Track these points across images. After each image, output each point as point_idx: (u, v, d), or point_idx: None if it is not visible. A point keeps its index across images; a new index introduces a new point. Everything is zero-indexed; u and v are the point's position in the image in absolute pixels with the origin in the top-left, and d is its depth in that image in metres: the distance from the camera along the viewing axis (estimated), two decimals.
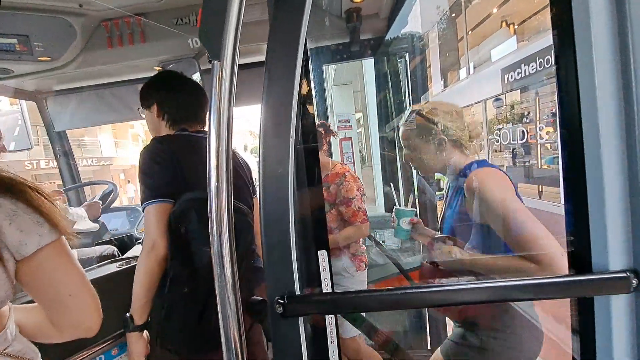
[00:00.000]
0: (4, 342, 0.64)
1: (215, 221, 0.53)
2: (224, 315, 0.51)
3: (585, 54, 0.45)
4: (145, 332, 1.05)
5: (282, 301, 0.47)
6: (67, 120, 2.37)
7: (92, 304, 0.67)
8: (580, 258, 0.42)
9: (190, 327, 1.02)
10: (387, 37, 1.73)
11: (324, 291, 0.58)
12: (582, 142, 0.42)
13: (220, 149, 0.53)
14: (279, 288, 0.48)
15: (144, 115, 1.25)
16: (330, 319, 0.58)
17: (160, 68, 2.07)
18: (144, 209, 1.02)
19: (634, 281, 0.38)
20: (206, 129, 1.30)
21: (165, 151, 1.05)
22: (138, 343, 1.02)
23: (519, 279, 0.40)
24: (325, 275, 0.58)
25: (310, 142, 0.64)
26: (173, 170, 1.04)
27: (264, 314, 1.05)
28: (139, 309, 1.01)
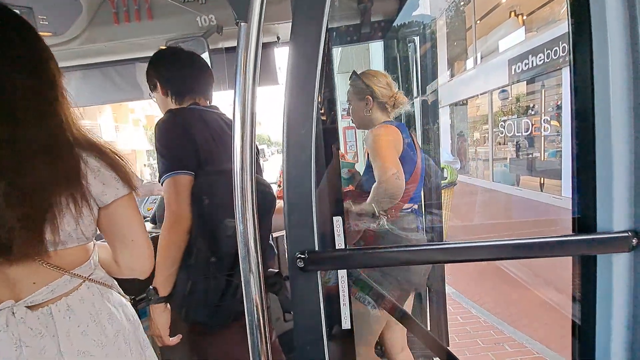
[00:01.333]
0: (89, 269, 0.77)
1: (241, 196, 0.56)
2: (247, 289, 0.55)
3: (600, 37, 0.47)
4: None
5: (302, 256, 0.50)
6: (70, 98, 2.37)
7: (148, 252, 0.81)
8: (586, 220, 0.45)
9: (214, 300, 1.05)
10: (398, 20, 1.72)
11: None
12: (592, 109, 0.44)
13: (245, 116, 0.55)
14: (300, 245, 0.51)
15: (154, 99, 1.27)
16: (343, 283, 0.62)
17: (165, 47, 2.06)
18: (163, 181, 1.03)
19: (633, 240, 0.41)
20: (213, 105, 1.32)
21: (181, 123, 1.07)
22: (162, 315, 1.05)
23: (526, 238, 0.43)
24: (339, 240, 0.61)
25: (329, 118, 0.66)
26: (190, 142, 1.05)
27: (279, 286, 1.09)
28: (163, 282, 1.03)
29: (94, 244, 0.82)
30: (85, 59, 2.22)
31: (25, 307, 0.67)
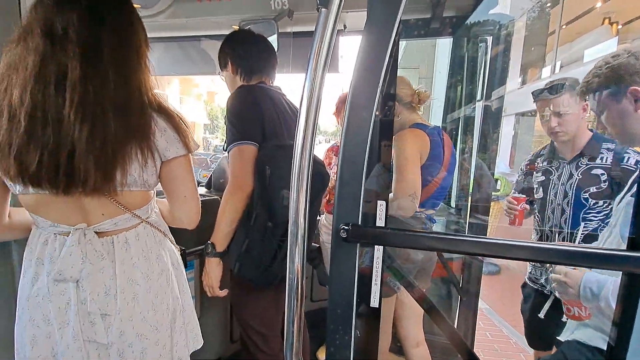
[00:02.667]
0: (147, 212, 0.89)
1: (298, 172, 0.60)
2: (291, 257, 0.61)
3: None
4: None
5: (346, 228, 0.55)
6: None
7: (196, 207, 0.91)
8: None
9: (265, 262, 1.14)
10: (472, 17, 1.65)
11: None
12: None
13: (312, 99, 0.59)
14: (345, 218, 0.56)
15: (223, 77, 1.37)
16: (377, 263, 0.65)
17: (238, 27, 2.18)
18: (230, 150, 1.13)
19: None
20: (275, 85, 1.40)
21: (251, 98, 1.16)
22: (216, 268, 1.18)
23: (574, 245, 0.43)
24: (380, 222, 0.64)
25: (387, 111, 0.68)
26: (257, 116, 1.14)
27: (318, 261, 1.16)
28: (221, 239, 1.15)
29: (154, 194, 0.93)
30: (167, 32, 2.42)
31: (94, 232, 0.80)
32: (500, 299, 3.14)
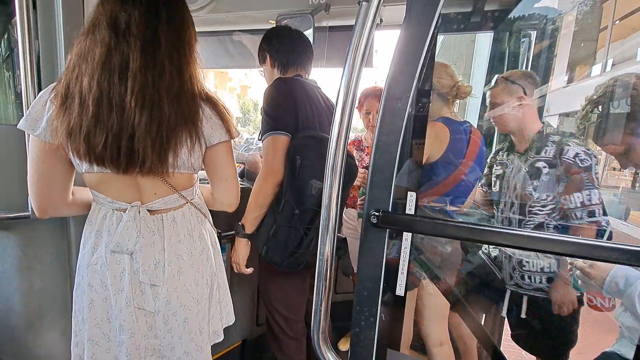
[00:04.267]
0: (191, 194, 0.96)
1: (332, 164, 0.63)
2: (322, 244, 0.64)
3: None
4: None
5: (377, 213, 0.57)
6: None
7: (235, 190, 0.98)
8: None
9: (291, 247, 1.20)
10: (516, 10, 1.58)
11: None
12: None
13: (349, 93, 0.62)
14: (377, 204, 0.58)
15: (262, 71, 1.43)
16: (405, 253, 0.67)
17: (275, 22, 2.23)
18: (264, 139, 1.19)
19: None
20: (317, 78, 1.43)
21: (287, 90, 1.21)
22: (244, 248, 1.26)
23: (618, 243, 0.42)
24: (410, 211, 0.65)
25: (422, 106, 0.69)
26: (292, 108, 1.19)
27: (343, 251, 1.20)
28: (250, 221, 1.23)
29: (198, 178, 1.01)
30: (207, 26, 2.51)
31: (147, 209, 0.88)
32: None
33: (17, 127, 0.79)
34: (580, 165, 1.19)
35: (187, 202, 0.94)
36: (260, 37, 2.54)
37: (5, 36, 1.10)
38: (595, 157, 1.22)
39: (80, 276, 0.90)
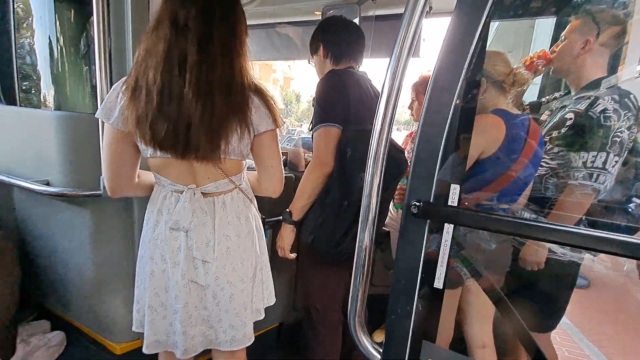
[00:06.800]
0: (240, 180, 1.02)
1: (374, 155, 0.64)
2: (361, 236, 0.66)
3: None
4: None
5: (417, 204, 0.57)
6: None
7: (280, 177, 1.03)
8: None
9: (336, 238, 1.23)
10: None
11: None
12: None
13: (394, 84, 0.62)
14: (418, 194, 0.58)
15: (313, 62, 1.45)
16: (445, 246, 0.66)
17: (320, 12, 2.24)
18: (315, 130, 1.22)
19: None
20: (362, 69, 1.43)
21: (339, 83, 1.22)
22: (290, 234, 1.31)
23: None
24: (452, 203, 0.64)
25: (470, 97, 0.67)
26: (343, 100, 1.20)
27: (385, 245, 1.21)
28: (298, 209, 1.27)
29: (246, 165, 1.08)
30: (255, 20, 2.59)
31: (201, 192, 0.96)
32: (583, 315, 2.78)
33: (95, 116, 0.90)
34: (602, 123, 1.06)
35: (235, 187, 1.00)
36: (305, 28, 2.56)
37: (84, 35, 1.24)
38: (630, 119, 1.07)
39: (143, 250, 1.01)
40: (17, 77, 1.47)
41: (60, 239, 1.39)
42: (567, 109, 1.23)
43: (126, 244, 1.32)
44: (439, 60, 0.59)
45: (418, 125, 0.63)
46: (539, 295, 1.33)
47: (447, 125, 0.59)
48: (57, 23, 1.45)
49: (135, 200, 1.28)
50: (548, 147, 1.24)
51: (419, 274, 0.64)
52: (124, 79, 0.89)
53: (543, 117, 1.37)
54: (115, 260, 1.31)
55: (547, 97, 1.41)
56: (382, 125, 0.66)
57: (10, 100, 1.42)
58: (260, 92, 0.93)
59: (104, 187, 0.98)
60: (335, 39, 1.34)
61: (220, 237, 0.96)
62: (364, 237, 0.68)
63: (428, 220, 0.58)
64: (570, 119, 1.18)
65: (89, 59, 1.10)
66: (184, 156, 0.88)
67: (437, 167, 0.59)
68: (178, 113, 0.83)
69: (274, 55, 2.89)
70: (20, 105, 1.46)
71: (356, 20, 2.01)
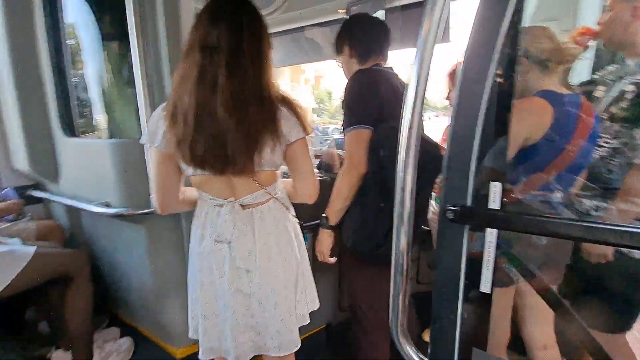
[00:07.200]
0: (275, 189, 1.04)
1: (405, 149, 0.61)
2: (397, 236, 0.64)
3: None
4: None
5: (453, 209, 0.54)
6: None
7: (315, 183, 1.04)
8: None
9: (377, 239, 1.22)
10: None
11: None
12: None
13: (421, 72, 0.59)
14: (453, 197, 0.55)
15: (339, 63, 1.43)
16: (489, 247, 0.62)
17: (344, 10, 2.21)
18: (347, 132, 1.22)
19: None
20: (388, 64, 1.39)
21: (367, 82, 1.21)
22: (328, 239, 1.32)
23: None
24: (494, 205, 0.60)
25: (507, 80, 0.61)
26: (373, 100, 1.19)
27: (428, 243, 1.17)
28: (335, 213, 1.27)
29: (280, 174, 1.10)
30: (282, 26, 2.62)
31: (240, 204, 1.00)
32: None
33: (140, 142, 0.97)
34: None
35: (271, 197, 1.03)
36: (330, 28, 2.54)
37: (127, 65, 1.35)
38: None
39: (192, 262, 1.07)
40: (75, 109, 1.64)
41: (122, 253, 1.54)
42: (624, 80, 1.10)
43: (178, 255, 1.42)
44: (468, 43, 0.54)
45: (450, 118, 0.59)
46: (607, 292, 1.20)
47: (481, 116, 0.54)
48: (105, 55, 1.59)
49: (182, 216, 1.37)
50: (607, 125, 1.11)
51: (462, 280, 0.61)
52: (163, 105, 0.96)
53: (598, 94, 1.23)
54: (170, 270, 1.41)
55: (600, 71, 1.26)
56: (410, 119, 0.62)
57: (71, 132, 1.59)
58: (287, 102, 0.95)
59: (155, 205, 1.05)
60: (360, 38, 1.32)
61: (261, 247, 1.00)
62: (400, 240, 0.65)
63: (467, 225, 0.55)
64: (632, 91, 1.05)
65: (133, 87, 1.20)
66: (221, 172, 0.93)
67: (474, 164, 0.55)
68: (213, 132, 0.88)
69: (303, 58, 2.91)
70: (79, 136, 1.62)
71: (382, 13, 1.96)
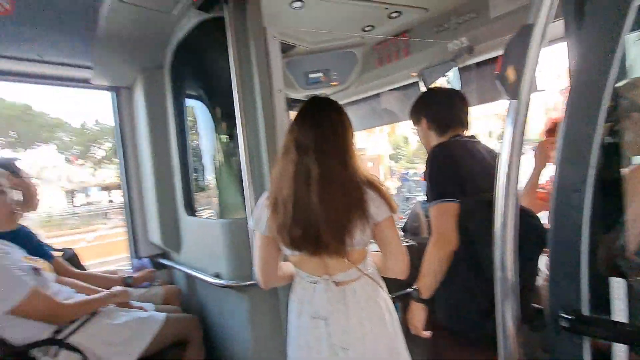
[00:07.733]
0: (365, 266, 1.09)
1: (501, 223, 0.58)
2: (502, 315, 0.59)
3: None
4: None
5: (567, 317, 0.49)
6: None
7: (404, 258, 1.06)
8: None
9: (474, 316, 1.15)
10: None
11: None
12: None
13: (516, 129, 0.57)
14: (563, 301, 0.50)
15: (416, 131, 1.49)
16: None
17: (416, 74, 2.29)
18: (431, 206, 1.22)
19: None
20: (469, 132, 1.39)
21: (447, 156, 1.22)
22: (420, 312, 1.25)
23: None
24: (619, 304, 0.53)
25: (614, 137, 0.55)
26: (456, 172, 1.19)
27: (540, 324, 1.03)
28: (425, 286, 1.21)
29: (370, 250, 1.14)
30: (357, 95, 2.83)
31: (333, 282, 1.06)
32: None
33: (248, 226, 1.14)
34: None
35: (362, 274, 1.07)
36: (405, 92, 2.64)
37: (235, 157, 1.63)
38: None
39: (291, 336, 1.14)
40: (194, 191, 2.00)
41: (228, 318, 1.70)
42: None
43: (276, 323, 1.51)
44: (568, 102, 0.51)
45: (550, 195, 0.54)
46: None
47: (587, 193, 0.48)
48: (217, 142, 1.94)
49: (280, 290, 1.49)
50: None
51: None
52: (265, 194, 1.12)
53: None
54: (268, 337, 1.51)
55: None
56: (507, 183, 0.58)
57: (191, 212, 1.93)
58: (372, 184, 1.03)
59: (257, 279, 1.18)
60: (440, 111, 1.35)
61: (354, 324, 1.02)
62: (507, 321, 0.60)
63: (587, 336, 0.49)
64: None
65: (240, 176, 1.43)
66: (315, 254, 1.02)
67: (585, 263, 0.51)
68: (308, 219, 0.99)
69: (378, 122, 3.07)
70: (197, 216, 1.95)
71: (455, 72, 1.99)
